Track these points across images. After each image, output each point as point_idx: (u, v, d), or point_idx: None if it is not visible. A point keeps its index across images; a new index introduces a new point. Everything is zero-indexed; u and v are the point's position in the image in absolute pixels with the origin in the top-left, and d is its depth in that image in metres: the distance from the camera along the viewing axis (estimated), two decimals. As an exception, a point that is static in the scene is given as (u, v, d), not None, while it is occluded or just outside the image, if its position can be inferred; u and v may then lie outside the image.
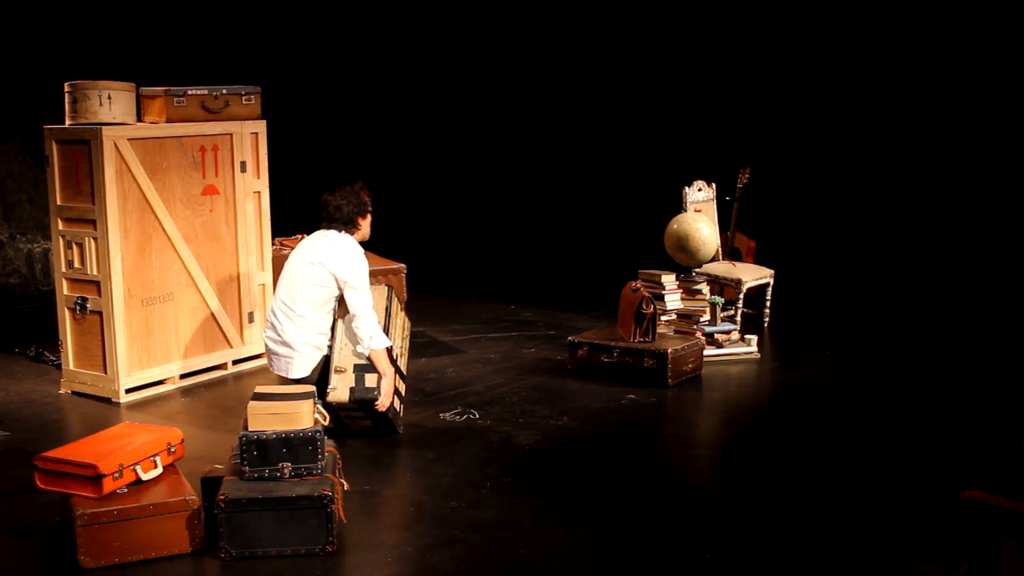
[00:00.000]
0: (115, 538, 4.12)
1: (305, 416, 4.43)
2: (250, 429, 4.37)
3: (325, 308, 5.57)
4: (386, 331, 5.54)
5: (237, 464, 4.39)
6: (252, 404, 4.44)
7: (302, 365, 5.54)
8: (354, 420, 5.53)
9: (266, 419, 4.39)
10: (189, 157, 6.57)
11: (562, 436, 5.62)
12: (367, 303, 5.43)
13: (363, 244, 5.75)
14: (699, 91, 10.12)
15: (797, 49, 9.61)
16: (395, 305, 5.81)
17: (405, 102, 11.34)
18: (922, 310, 8.39)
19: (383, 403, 5.36)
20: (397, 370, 5.62)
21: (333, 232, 5.62)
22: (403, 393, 5.77)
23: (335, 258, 5.51)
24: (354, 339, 5.46)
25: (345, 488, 4.54)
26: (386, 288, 5.79)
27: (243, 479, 4.32)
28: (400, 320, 5.90)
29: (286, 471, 4.32)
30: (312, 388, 4.69)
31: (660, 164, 10.03)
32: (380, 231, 6.26)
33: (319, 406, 4.59)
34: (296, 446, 4.33)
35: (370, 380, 5.38)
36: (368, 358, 5.41)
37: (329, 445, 4.61)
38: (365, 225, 5.72)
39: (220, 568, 4.14)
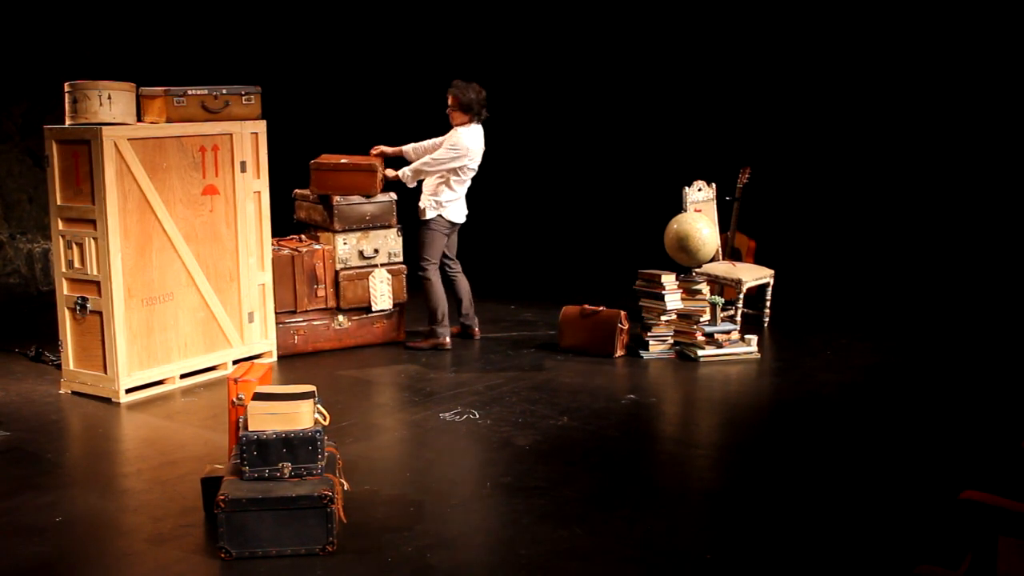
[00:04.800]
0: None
1: (305, 416, 4.41)
2: (250, 429, 4.35)
3: None
4: None
5: (237, 464, 4.39)
6: (252, 404, 4.42)
7: None
8: None
9: (266, 419, 4.36)
10: (189, 157, 6.57)
11: (562, 436, 5.62)
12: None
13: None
14: (699, 91, 10.13)
15: (797, 49, 9.62)
16: None
17: (405, 103, 11.34)
18: (922, 310, 8.39)
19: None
20: None
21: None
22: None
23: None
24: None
25: (345, 488, 4.56)
26: None
27: (243, 479, 4.31)
28: None
29: (286, 471, 4.32)
30: (313, 388, 4.66)
31: (660, 164, 10.04)
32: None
33: (319, 406, 4.58)
34: (296, 446, 4.32)
35: None
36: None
37: (329, 445, 4.62)
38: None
39: (220, 568, 4.15)
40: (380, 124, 11.12)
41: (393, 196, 7.57)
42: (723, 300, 7.37)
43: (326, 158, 7.39)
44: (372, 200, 7.42)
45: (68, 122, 6.25)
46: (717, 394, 6.46)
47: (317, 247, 7.32)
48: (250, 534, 4.17)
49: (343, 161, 7.29)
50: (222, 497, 4.18)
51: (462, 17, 10.95)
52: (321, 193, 7.35)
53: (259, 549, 4.19)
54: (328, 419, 4.65)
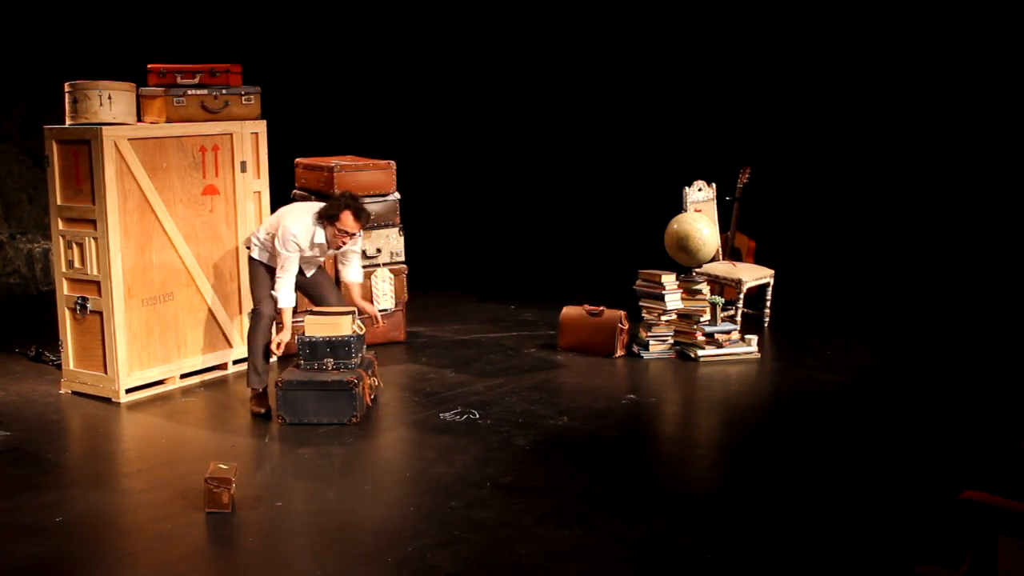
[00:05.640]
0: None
1: (345, 327, 5.93)
2: (306, 334, 5.89)
3: None
4: None
5: (297, 359, 5.95)
6: (308, 317, 5.94)
7: None
8: None
9: (316, 328, 5.91)
10: (189, 157, 6.57)
11: (562, 436, 5.62)
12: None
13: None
14: (699, 91, 10.12)
15: (796, 49, 9.62)
16: None
17: (406, 103, 11.34)
18: (922, 309, 8.38)
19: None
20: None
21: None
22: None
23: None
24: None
25: (377, 384, 6.11)
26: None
27: (299, 369, 5.88)
28: None
29: (329, 364, 5.87)
30: (353, 308, 6.06)
31: (660, 164, 10.04)
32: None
33: (358, 321, 6.01)
34: (336, 346, 5.88)
35: None
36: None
37: (370, 353, 6.29)
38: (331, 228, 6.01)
39: (219, 568, 4.22)
40: (380, 124, 11.14)
41: (397, 195, 7.57)
42: (723, 300, 7.37)
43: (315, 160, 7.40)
44: (376, 199, 7.42)
45: (68, 122, 6.25)
46: (717, 394, 6.46)
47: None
48: (299, 407, 5.74)
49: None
50: (280, 379, 5.75)
51: (463, 16, 10.95)
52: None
53: (305, 418, 5.73)
54: (364, 330, 6.08)
